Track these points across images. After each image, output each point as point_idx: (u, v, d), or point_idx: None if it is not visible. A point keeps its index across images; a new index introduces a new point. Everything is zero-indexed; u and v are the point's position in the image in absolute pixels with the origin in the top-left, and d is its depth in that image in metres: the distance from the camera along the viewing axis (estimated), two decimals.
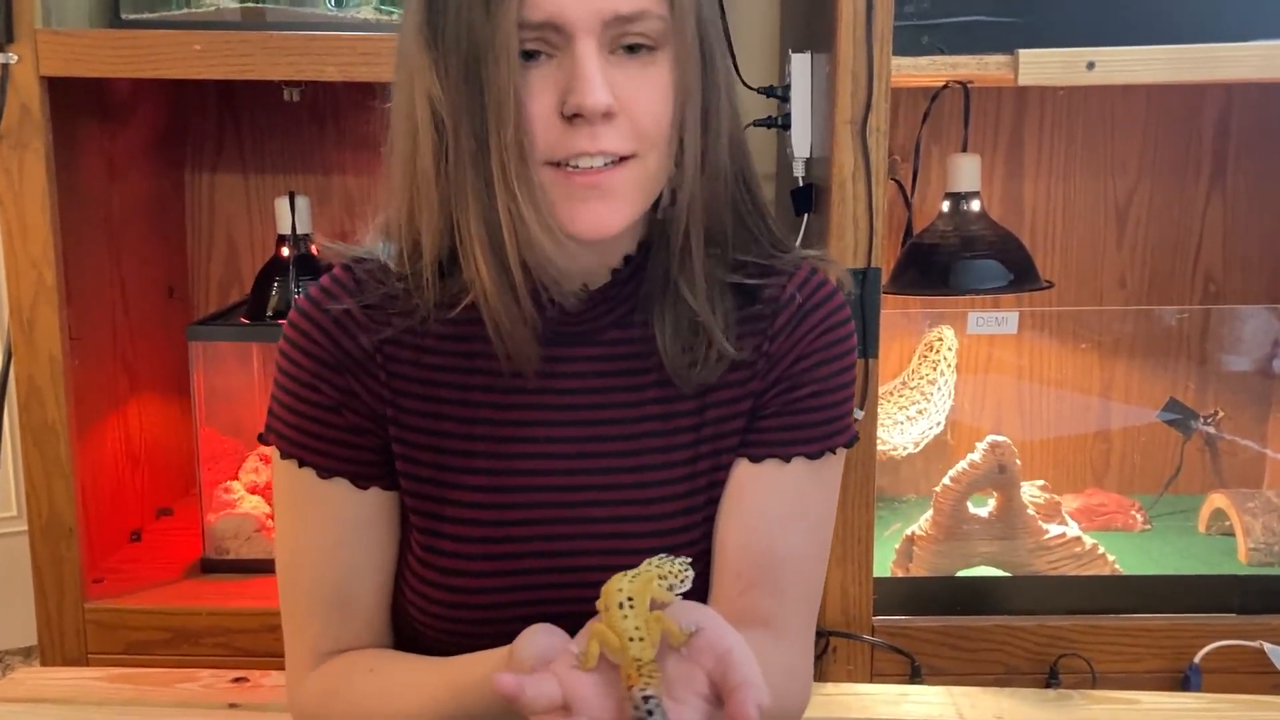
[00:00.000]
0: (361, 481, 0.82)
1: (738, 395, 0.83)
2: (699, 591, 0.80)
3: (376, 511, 0.83)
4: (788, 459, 0.82)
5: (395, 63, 0.80)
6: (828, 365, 0.83)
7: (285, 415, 0.82)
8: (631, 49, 0.75)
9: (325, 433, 0.82)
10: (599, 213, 0.75)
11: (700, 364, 0.81)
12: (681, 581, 0.68)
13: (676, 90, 0.76)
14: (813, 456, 0.83)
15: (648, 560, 0.69)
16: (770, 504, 0.82)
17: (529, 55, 0.73)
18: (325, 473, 0.82)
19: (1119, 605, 1.36)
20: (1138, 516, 1.59)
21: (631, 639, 0.63)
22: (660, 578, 0.67)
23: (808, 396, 0.83)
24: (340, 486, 0.82)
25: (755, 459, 0.83)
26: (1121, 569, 1.42)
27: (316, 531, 0.83)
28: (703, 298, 0.80)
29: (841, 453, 0.85)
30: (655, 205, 0.80)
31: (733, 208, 0.82)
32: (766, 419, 0.83)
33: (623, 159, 0.75)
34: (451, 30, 0.74)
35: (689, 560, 0.69)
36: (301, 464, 0.82)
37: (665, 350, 0.81)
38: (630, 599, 0.65)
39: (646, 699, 0.61)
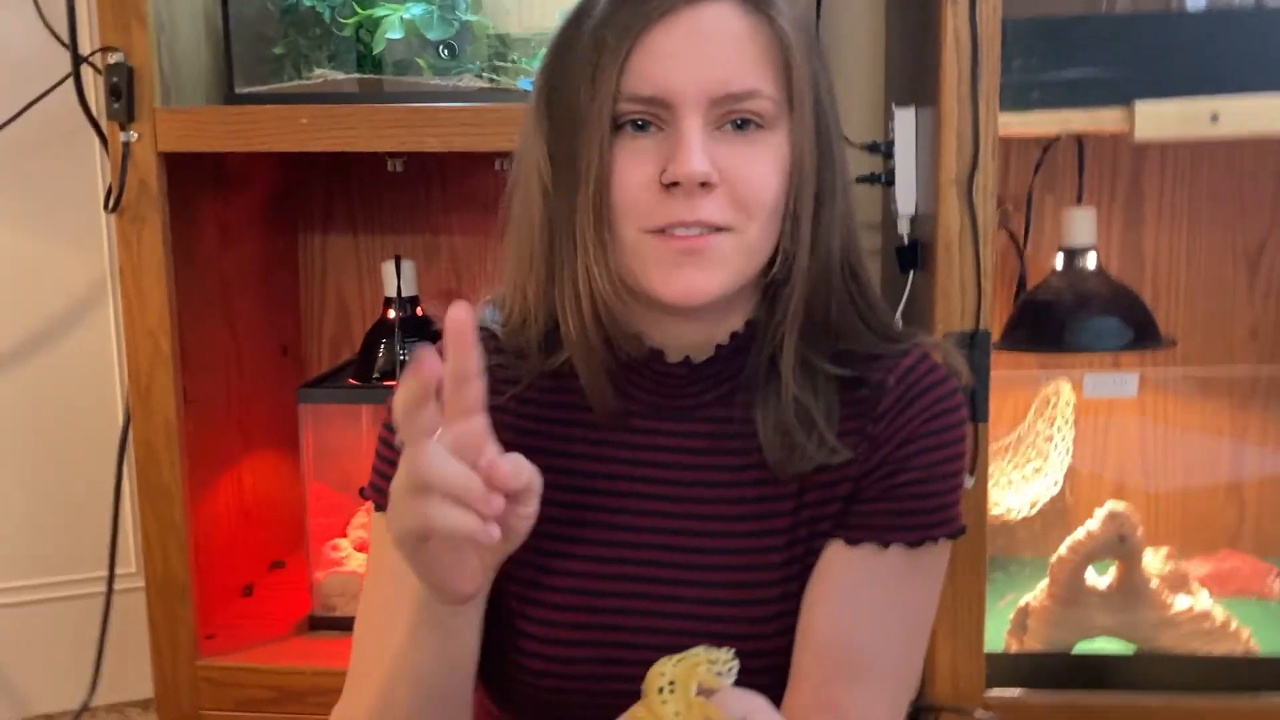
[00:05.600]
0: None
1: (836, 479, 0.80)
2: (781, 673, 0.79)
3: None
4: (885, 545, 0.79)
5: (519, 135, 0.82)
6: (933, 452, 0.80)
7: (384, 469, 0.83)
8: (740, 125, 0.75)
9: None
10: (693, 279, 0.75)
11: (798, 454, 0.79)
12: (729, 671, 0.66)
13: (792, 171, 0.76)
14: (912, 545, 0.79)
15: (696, 648, 0.67)
16: (863, 592, 0.79)
17: (639, 126, 0.75)
18: None
19: (1255, 683, 1.27)
20: (1275, 584, 1.49)
21: None
22: (710, 662, 0.66)
23: (911, 483, 0.80)
24: None
25: (851, 542, 0.80)
26: (1257, 642, 1.34)
27: (404, 581, 0.82)
28: (803, 387, 0.79)
29: (945, 543, 0.81)
30: (766, 286, 0.79)
31: (840, 297, 0.80)
32: (866, 503, 0.80)
33: (720, 229, 0.74)
34: (560, 98, 0.76)
35: (734, 651, 0.67)
36: None
37: (764, 437, 0.80)
38: (672, 683, 0.64)
39: None
